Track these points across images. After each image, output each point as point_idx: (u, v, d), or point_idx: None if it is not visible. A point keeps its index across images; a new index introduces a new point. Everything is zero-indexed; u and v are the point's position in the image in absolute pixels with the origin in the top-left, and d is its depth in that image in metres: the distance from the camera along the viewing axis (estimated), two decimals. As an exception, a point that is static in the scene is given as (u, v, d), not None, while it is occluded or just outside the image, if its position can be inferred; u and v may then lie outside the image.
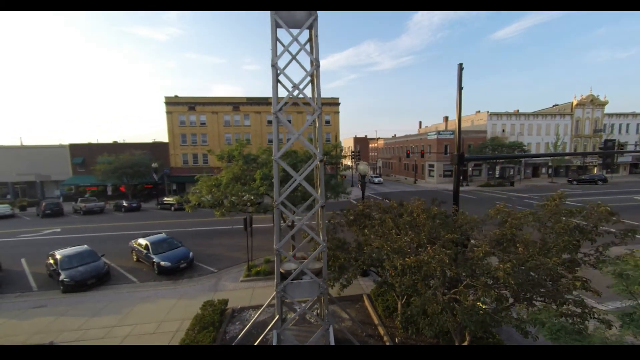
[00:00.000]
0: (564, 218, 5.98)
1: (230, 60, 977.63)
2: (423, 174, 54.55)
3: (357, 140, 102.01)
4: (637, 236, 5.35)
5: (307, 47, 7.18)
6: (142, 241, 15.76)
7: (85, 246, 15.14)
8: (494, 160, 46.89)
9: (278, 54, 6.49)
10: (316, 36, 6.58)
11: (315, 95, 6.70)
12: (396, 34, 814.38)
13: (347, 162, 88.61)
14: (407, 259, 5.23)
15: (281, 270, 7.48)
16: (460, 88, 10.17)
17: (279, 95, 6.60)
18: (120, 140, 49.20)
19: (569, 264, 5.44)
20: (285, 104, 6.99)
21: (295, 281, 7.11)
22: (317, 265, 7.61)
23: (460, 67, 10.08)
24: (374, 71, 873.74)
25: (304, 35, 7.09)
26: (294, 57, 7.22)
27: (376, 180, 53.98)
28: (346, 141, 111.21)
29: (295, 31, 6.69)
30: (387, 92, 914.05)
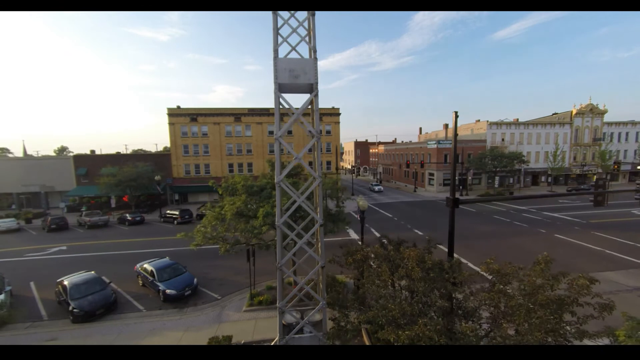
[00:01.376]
0: (548, 285, 6.42)
1: (231, 61, 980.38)
2: (423, 182, 54.92)
3: (357, 144, 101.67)
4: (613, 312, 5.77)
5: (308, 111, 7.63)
6: (148, 267, 16.21)
7: (93, 273, 15.60)
8: (494, 170, 47.19)
9: (281, 129, 6.94)
10: (316, 110, 7.02)
11: (316, 164, 7.14)
12: (397, 34, 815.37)
13: (347, 165, 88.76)
14: (399, 332, 5.67)
15: (283, 322, 7.93)
16: (455, 134, 10.60)
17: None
18: (120, 139, 49.74)
19: (552, 333, 5.86)
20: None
21: (297, 336, 7.56)
22: (318, 317, 8.06)
23: (456, 115, 10.48)
24: (375, 71, 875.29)
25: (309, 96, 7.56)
26: (295, 119, 7.68)
27: (376, 188, 54.30)
28: (347, 145, 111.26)
29: (298, 102, 7.14)
30: (388, 91, 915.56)
